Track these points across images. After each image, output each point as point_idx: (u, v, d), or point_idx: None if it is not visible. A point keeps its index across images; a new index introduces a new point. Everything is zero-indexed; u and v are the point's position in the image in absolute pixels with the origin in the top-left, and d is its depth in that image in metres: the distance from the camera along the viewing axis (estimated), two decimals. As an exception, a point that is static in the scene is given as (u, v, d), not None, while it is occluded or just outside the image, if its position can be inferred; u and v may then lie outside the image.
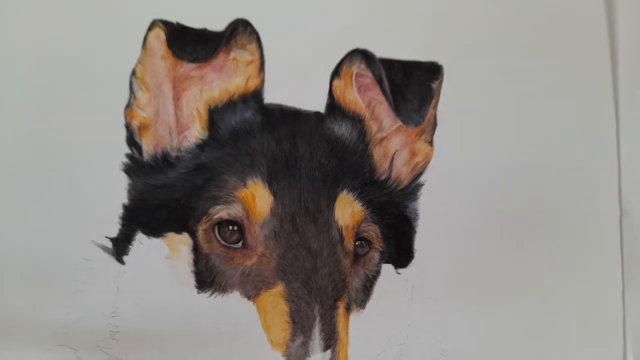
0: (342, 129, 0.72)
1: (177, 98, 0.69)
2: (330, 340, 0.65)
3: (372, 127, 0.73)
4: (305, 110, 0.72)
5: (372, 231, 0.70)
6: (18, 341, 0.68)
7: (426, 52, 0.73)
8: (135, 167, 0.70)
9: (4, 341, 0.68)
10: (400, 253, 0.73)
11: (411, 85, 0.71)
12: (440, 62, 0.73)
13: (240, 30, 0.68)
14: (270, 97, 0.71)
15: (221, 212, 0.66)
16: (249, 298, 0.67)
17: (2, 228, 0.69)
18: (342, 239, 0.68)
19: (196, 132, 0.70)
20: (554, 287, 0.76)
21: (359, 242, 0.70)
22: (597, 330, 0.76)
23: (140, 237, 0.69)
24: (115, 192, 0.69)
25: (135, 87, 0.69)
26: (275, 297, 0.65)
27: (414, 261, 0.73)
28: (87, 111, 0.71)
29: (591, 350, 0.76)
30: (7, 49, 0.72)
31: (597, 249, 0.77)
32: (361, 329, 0.69)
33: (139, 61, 0.69)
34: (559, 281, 0.76)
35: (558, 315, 0.76)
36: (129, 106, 0.70)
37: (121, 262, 0.70)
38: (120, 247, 0.70)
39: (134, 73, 0.69)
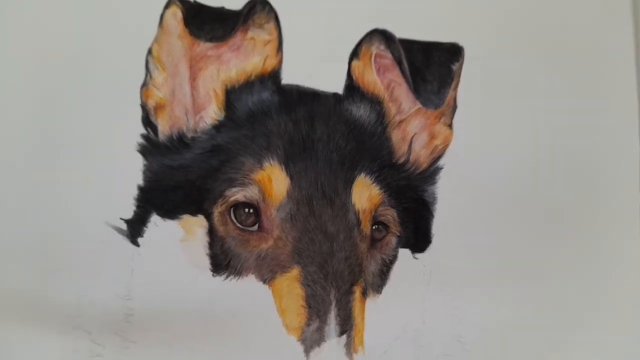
0: (361, 111, 0.71)
1: (193, 78, 0.68)
2: (346, 325, 0.64)
3: (391, 109, 0.72)
4: (323, 92, 0.71)
5: (390, 215, 0.69)
6: (31, 324, 0.68)
7: (448, 33, 0.72)
8: (151, 147, 0.69)
9: (16, 324, 0.68)
10: (418, 237, 0.72)
11: (431, 67, 0.70)
12: (461, 44, 0.72)
13: (259, 9, 0.67)
14: (288, 77, 0.70)
15: (237, 194, 0.66)
16: (264, 282, 0.66)
17: (15, 209, 0.69)
18: (359, 222, 0.67)
19: (212, 113, 0.69)
20: (574, 274, 0.75)
21: (376, 226, 0.69)
22: (618, 317, 0.76)
23: (155, 219, 0.69)
24: (131, 173, 0.69)
25: (151, 66, 0.68)
26: (290, 281, 0.65)
27: (431, 246, 0.73)
28: (103, 90, 0.70)
29: (612, 337, 0.75)
30: (24, 25, 0.71)
31: (617, 236, 0.76)
32: (377, 314, 0.69)
33: (156, 40, 0.68)
34: (579, 267, 0.75)
35: (578, 302, 0.75)
36: (144, 85, 0.69)
37: (136, 244, 0.69)
38: (134, 228, 0.69)
39: (150, 52, 0.68)
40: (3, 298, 0.68)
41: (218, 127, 0.69)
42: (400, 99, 0.72)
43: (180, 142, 0.69)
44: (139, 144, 0.69)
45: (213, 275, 0.67)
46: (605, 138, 0.76)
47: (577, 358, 0.76)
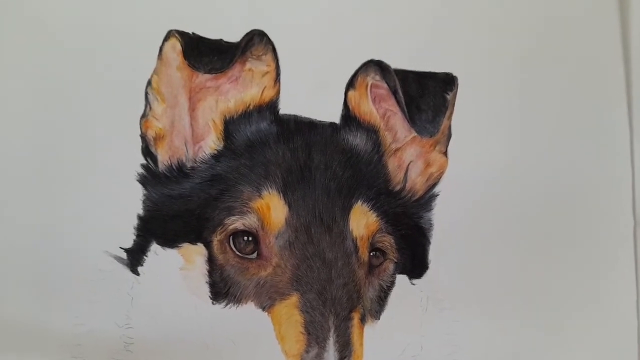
0: (357, 140, 0.72)
1: (192, 108, 0.69)
2: (345, 351, 0.64)
3: (387, 137, 0.73)
4: (320, 121, 0.72)
5: (387, 242, 0.70)
6: (30, 352, 0.68)
7: (441, 63, 0.73)
8: (151, 177, 0.70)
9: (14, 352, 0.68)
10: (415, 264, 0.73)
11: (426, 96, 0.71)
12: (454, 73, 0.73)
13: (256, 41, 0.68)
14: (286, 107, 0.71)
15: (236, 222, 0.66)
16: (263, 309, 0.66)
17: (13, 236, 0.69)
18: (356, 249, 0.67)
19: (211, 143, 0.70)
20: (569, 297, 0.76)
21: (374, 252, 0.70)
22: (612, 339, 0.76)
23: (155, 247, 0.69)
24: (130, 202, 0.69)
25: (150, 97, 0.69)
26: (289, 308, 0.65)
27: (428, 272, 0.73)
28: (102, 121, 0.71)
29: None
30: (21, 54, 0.71)
31: (611, 258, 0.77)
32: (375, 340, 0.69)
33: (155, 71, 0.69)
34: (573, 291, 0.76)
35: (574, 325, 0.76)
36: (144, 116, 0.69)
37: (136, 272, 0.70)
38: (134, 257, 0.70)
39: (149, 83, 0.69)
40: (2, 326, 0.68)
41: (217, 156, 0.69)
42: (395, 127, 0.73)
43: (179, 171, 0.69)
44: (139, 174, 0.70)
45: (212, 303, 0.67)
46: (597, 165, 0.77)
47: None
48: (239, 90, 0.70)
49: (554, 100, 0.77)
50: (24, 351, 0.68)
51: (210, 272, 0.68)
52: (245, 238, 0.67)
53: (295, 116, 0.71)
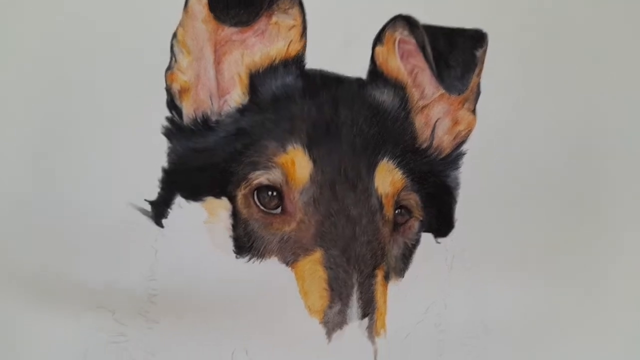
0: (384, 96, 0.71)
1: (218, 62, 0.69)
2: (368, 308, 0.64)
3: (414, 94, 0.72)
4: (346, 77, 0.71)
5: (412, 200, 0.69)
6: (54, 302, 0.68)
7: (472, 19, 0.72)
8: (175, 130, 0.69)
9: (39, 301, 0.69)
10: (440, 222, 0.72)
11: (455, 53, 0.69)
12: (485, 30, 0.71)
13: (283, -6, 0.67)
14: (312, 62, 0.70)
15: (260, 177, 0.66)
16: (287, 264, 0.66)
17: (39, 188, 0.70)
18: (381, 207, 0.67)
19: (237, 97, 0.69)
20: (597, 257, 0.75)
21: (399, 210, 0.69)
22: (636, 298, 0.76)
23: (179, 200, 0.69)
24: (155, 155, 0.69)
25: (176, 50, 0.68)
26: (313, 264, 0.65)
27: (454, 230, 0.73)
28: (128, 74, 0.70)
29: (632, 317, 0.76)
30: (49, 5, 0.71)
31: (636, 222, 0.76)
32: (399, 297, 0.69)
33: (181, 24, 0.68)
34: (602, 251, 0.75)
35: (602, 285, 0.75)
36: (169, 69, 0.69)
37: (160, 225, 0.70)
38: (159, 210, 0.69)
39: (175, 36, 0.68)
40: (29, 277, 0.69)
41: (242, 110, 0.69)
42: (423, 84, 0.72)
43: (204, 125, 0.69)
44: (164, 127, 0.70)
45: (236, 257, 0.67)
46: (633, 125, 0.76)
47: (599, 340, 0.75)
48: (264, 44, 0.69)
49: (587, 57, 0.76)
50: (49, 300, 0.68)
51: (234, 226, 0.67)
52: (270, 193, 0.66)
53: (321, 71, 0.70)
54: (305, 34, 0.69)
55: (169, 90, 0.69)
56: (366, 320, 0.64)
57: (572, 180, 0.75)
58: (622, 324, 0.76)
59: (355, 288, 0.64)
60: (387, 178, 0.68)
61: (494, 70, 0.72)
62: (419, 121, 0.72)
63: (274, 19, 0.68)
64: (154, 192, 0.70)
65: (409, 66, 0.71)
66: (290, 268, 0.66)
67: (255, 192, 0.66)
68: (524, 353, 0.74)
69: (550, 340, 0.74)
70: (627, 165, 0.76)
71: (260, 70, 0.69)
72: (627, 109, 0.76)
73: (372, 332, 0.64)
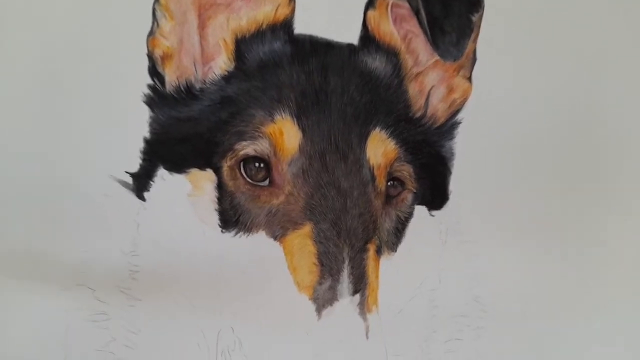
0: (376, 63, 0.69)
1: (202, 27, 0.66)
2: (360, 284, 0.63)
3: (408, 61, 0.70)
4: (337, 42, 0.69)
5: (405, 171, 0.68)
6: (33, 279, 0.67)
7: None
8: (157, 98, 0.67)
9: (17, 279, 0.67)
10: (435, 194, 0.71)
11: (450, 18, 0.67)
12: (480, -6, 0.69)
13: (271, -46, 0.65)
14: (301, 27, 0.68)
15: (247, 148, 0.64)
16: (275, 238, 0.64)
17: (18, 162, 0.67)
18: (373, 178, 0.65)
19: (222, 63, 0.67)
20: (593, 230, 0.74)
21: (391, 182, 0.67)
22: (633, 273, 0.75)
23: (162, 172, 0.67)
24: (136, 124, 0.66)
25: (158, 14, 0.66)
26: (302, 238, 0.63)
27: (448, 203, 0.71)
28: (108, 40, 0.68)
29: (629, 292, 0.75)
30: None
31: (636, 193, 0.75)
32: (392, 272, 0.67)
33: (163, -14, 0.65)
34: (602, 224, 0.74)
35: (601, 260, 0.74)
36: (151, 34, 0.66)
37: (142, 198, 0.68)
38: (140, 182, 0.67)
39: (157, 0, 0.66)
40: (6, 254, 0.67)
41: (227, 78, 0.66)
42: (417, 50, 0.70)
43: (188, 93, 0.67)
44: (145, 95, 0.67)
45: (222, 231, 0.65)
46: (632, 92, 0.74)
47: (595, 315, 0.74)
48: (251, 8, 0.66)
49: (586, 25, 0.74)
50: (26, 277, 0.66)
51: (220, 199, 0.65)
52: (257, 164, 0.64)
53: (310, 36, 0.68)
54: (295, -4, 0.67)
55: (150, 56, 0.67)
56: (357, 296, 0.63)
57: (570, 151, 0.73)
58: (620, 299, 0.75)
59: (346, 263, 0.62)
60: (379, 148, 0.66)
61: (491, 36, 0.70)
62: (412, 89, 0.70)
63: (261, -19, 0.66)
64: (135, 164, 0.67)
65: (402, 31, 0.69)
66: (278, 242, 0.64)
67: (242, 164, 0.64)
68: (519, 329, 0.73)
69: (546, 316, 0.73)
70: (627, 135, 0.75)
71: (247, 36, 0.67)
72: (626, 77, 0.75)
73: (363, 308, 0.63)
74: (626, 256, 0.74)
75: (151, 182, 0.67)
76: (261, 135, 0.64)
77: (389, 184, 0.67)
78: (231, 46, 0.66)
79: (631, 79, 0.75)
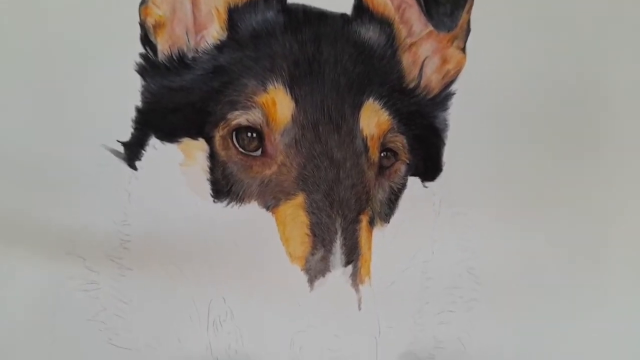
0: (370, 33, 0.68)
1: (195, -5, 0.65)
2: (352, 255, 0.63)
3: (402, 31, 0.69)
4: (330, 12, 0.68)
5: (399, 142, 0.67)
6: (23, 247, 0.66)
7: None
8: (150, 67, 0.67)
9: (6, 247, 0.66)
10: (428, 165, 0.70)
11: (444, -13, 0.67)
12: (475, -36, 0.69)
13: None
14: (294, -4, 0.67)
15: (239, 117, 0.63)
16: (267, 209, 0.64)
17: (8, 128, 0.66)
18: (366, 149, 0.65)
19: (214, 32, 0.66)
20: (587, 203, 0.73)
21: (385, 153, 0.67)
22: (629, 246, 0.74)
23: (153, 141, 0.66)
24: (128, 93, 0.66)
25: (150, -18, 0.65)
26: (295, 209, 0.63)
27: (442, 174, 0.71)
28: (100, 8, 0.67)
29: (623, 265, 0.74)
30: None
31: (629, 162, 0.74)
32: (384, 244, 0.67)
33: (156, -46, 0.65)
34: (591, 196, 0.73)
35: (594, 233, 0.73)
36: (143, 3, 0.66)
37: (133, 167, 0.67)
38: (132, 151, 0.67)
39: (150, -33, 0.65)
40: (-8, 220, 0.66)
41: (220, 47, 0.66)
42: (411, 21, 0.69)
43: (180, 62, 0.66)
44: (137, 64, 0.67)
45: (214, 201, 0.65)
46: (626, 62, 0.74)
47: (589, 287, 0.74)
48: (244, -24, 0.65)
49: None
50: (14, 247, 0.66)
51: (212, 169, 0.65)
52: (249, 134, 0.64)
53: (304, 6, 0.68)
54: (287, -35, 0.66)
55: (142, 25, 0.66)
56: (350, 267, 0.62)
57: (565, 122, 0.73)
58: (615, 271, 0.74)
59: (339, 234, 0.62)
60: (373, 119, 0.65)
61: (485, 7, 0.69)
62: (406, 60, 0.69)
63: (254, -54, 0.65)
64: (127, 133, 0.67)
65: (396, 1, 0.68)
66: (270, 213, 0.64)
67: (234, 133, 0.64)
68: (512, 302, 0.72)
69: (540, 290, 0.73)
70: (621, 106, 0.74)
71: (240, 5, 0.66)
72: (621, 48, 0.74)
73: (356, 279, 0.63)
74: (621, 228, 0.74)
75: (143, 151, 0.66)
76: (254, 105, 0.63)
77: (382, 155, 0.67)
78: (224, 15, 0.66)
79: (626, 50, 0.74)
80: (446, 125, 0.71)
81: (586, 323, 0.73)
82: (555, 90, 0.72)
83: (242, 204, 0.64)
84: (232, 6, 0.66)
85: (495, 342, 0.72)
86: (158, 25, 0.66)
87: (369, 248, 0.65)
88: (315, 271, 0.62)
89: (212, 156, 0.65)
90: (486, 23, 0.70)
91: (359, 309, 0.63)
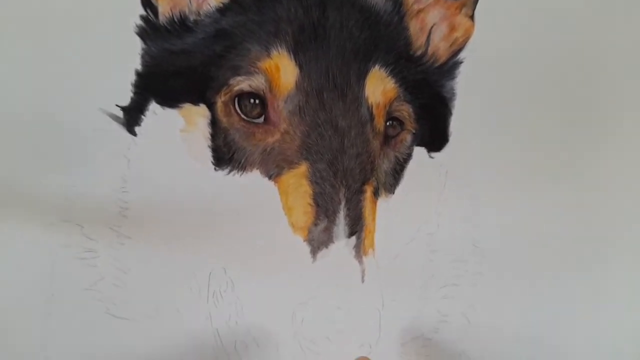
0: (376, -2, 0.67)
1: (197, -44, 0.64)
2: (356, 226, 0.62)
3: (409, -4, 0.68)
4: (336, -24, 0.66)
5: (405, 111, 0.66)
6: (20, 214, 0.64)
7: None
8: (150, 30, 0.64)
9: (3, 214, 0.64)
10: (434, 136, 0.69)
11: (452, -48, 0.66)
12: None
13: None
14: (299, -40, 0.65)
15: (242, 83, 0.62)
16: (269, 178, 0.63)
17: (4, 91, 0.64)
18: (372, 118, 0.64)
19: (217, -6, 0.64)
20: (593, 176, 0.73)
21: (390, 122, 0.66)
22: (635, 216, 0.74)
23: (154, 107, 0.65)
24: (128, 57, 0.64)
25: (151, -59, 0.63)
26: (298, 178, 0.62)
27: (448, 145, 0.70)
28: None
29: (629, 236, 0.74)
30: None
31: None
32: (389, 215, 0.66)
33: None
34: (598, 169, 0.73)
35: (602, 206, 0.73)
36: (144, -37, 0.64)
37: (133, 133, 0.65)
38: (132, 116, 0.65)
39: None
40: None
41: (223, 10, 0.64)
42: (418, -14, 0.68)
43: (181, 25, 0.64)
44: (138, 26, 0.64)
45: (215, 169, 0.64)
46: (628, 29, 0.73)
47: (595, 263, 0.73)
48: (249, -64, 0.64)
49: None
50: (11, 214, 0.64)
51: (213, 136, 0.64)
52: (252, 100, 0.63)
53: (309, -31, 0.66)
54: None
55: (143, -14, 0.64)
56: (353, 238, 0.62)
57: (573, 91, 0.72)
58: (622, 244, 0.73)
59: (343, 204, 0.62)
60: (379, 87, 0.64)
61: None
62: (413, 26, 0.68)
63: None
64: (126, 97, 0.64)
65: (403, -34, 0.67)
66: (273, 182, 0.63)
67: (237, 99, 0.63)
68: (517, 276, 0.72)
69: (545, 263, 0.72)
70: (629, 74, 0.73)
71: (243, -34, 0.64)
72: (629, 12, 0.73)
73: (359, 251, 0.62)
74: (629, 200, 0.73)
75: (143, 117, 0.65)
76: (257, 70, 0.62)
77: (387, 124, 0.66)
78: (227, -23, 0.64)
79: (635, 18, 0.73)
80: (453, 94, 0.70)
81: (592, 297, 0.73)
82: (563, 58, 0.71)
83: (244, 173, 0.63)
84: (235, -32, 0.64)
85: (500, 316, 0.71)
86: (159, -13, 0.64)
87: (373, 219, 0.65)
88: (318, 242, 0.61)
89: (214, 123, 0.63)
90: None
91: (362, 281, 0.63)
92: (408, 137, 0.67)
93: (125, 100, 0.65)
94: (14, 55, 0.64)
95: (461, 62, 0.70)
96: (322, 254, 0.61)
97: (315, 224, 0.61)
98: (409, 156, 0.68)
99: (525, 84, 0.71)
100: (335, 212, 0.61)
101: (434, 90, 0.69)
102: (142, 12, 0.64)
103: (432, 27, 0.69)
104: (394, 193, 0.67)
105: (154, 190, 0.64)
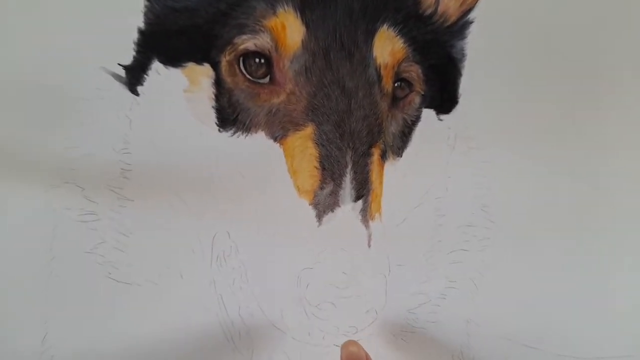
0: (385, -46, 0.65)
1: None
2: (363, 189, 0.62)
3: (419, -46, 0.66)
4: None
5: (414, 72, 0.65)
6: (19, 175, 0.63)
7: None
8: (153, -14, 0.63)
9: (3, 173, 0.62)
10: (444, 97, 0.68)
11: None
12: None
13: None
14: None
15: (247, 42, 0.61)
16: (275, 139, 0.62)
17: (2, 49, 0.62)
18: (380, 78, 0.63)
19: (221, -51, 0.63)
20: (605, 138, 0.71)
21: (399, 83, 0.65)
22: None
23: (156, 66, 0.63)
24: (130, 14, 0.62)
25: None
26: (304, 140, 0.61)
27: (458, 107, 0.69)
28: None
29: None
30: None
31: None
32: (397, 178, 0.66)
33: None
34: (620, 131, 0.71)
35: (611, 173, 0.71)
36: None
37: (135, 92, 0.64)
38: (134, 76, 0.63)
39: None
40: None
41: (228, -34, 0.63)
42: (429, -57, 0.67)
43: (185, -19, 0.63)
44: (141, -17, 0.63)
45: (219, 130, 0.63)
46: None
47: (604, 228, 0.72)
48: None
49: None
50: (9, 175, 0.62)
51: (218, 96, 0.62)
52: (257, 60, 0.61)
53: None
54: None
55: (145, -59, 0.63)
56: (360, 202, 0.61)
57: (584, 53, 0.70)
58: (630, 210, 0.72)
59: (349, 167, 0.61)
60: (387, 47, 0.63)
61: None
62: (423, -16, 0.67)
63: None
64: (128, 56, 0.63)
65: None
66: (278, 144, 0.62)
67: (241, 59, 0.61)
68: (527, 242, 0.70)
69: (554, 229, 0.71)
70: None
71: None
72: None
73: (366, 215, 0.62)
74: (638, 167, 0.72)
75: (145, 76, 0.63)
76: (262, 29, 0.61)
77: (396, 85, 0.65)
78: None
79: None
80: (463, 55, 0.68)
81: (602, 265, 0.72)
82: (576, 19, 0.70)
83: (249, 134, 0.62)
84: None
85: (509, 282, 0.70)
86: (161, -59, 0.63)
87: (380, 183, 0.64)
88: (324, 206, 0.61)
89: (218, 82, 0.62)
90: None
91: (369, 245, 0.63)
92: (417, 99, 0.66)
93: (128, 59, 0.63)
94: (14, 13, 0.62)
95: (472, 22, 0.68)
96: (328, 218, 0.61)
97: (321, 188, 0.61)
98: (417, 118, 0.67)
99: (537, 45, 0.69)
100: (341, 176, 0.60)
101: (444, 50, 0.68)
102: (144, -32, 0.63)
103: (441, -15, 0.67)
104: (401, 156, 0.66)
105: (156, 151, 0.63)
